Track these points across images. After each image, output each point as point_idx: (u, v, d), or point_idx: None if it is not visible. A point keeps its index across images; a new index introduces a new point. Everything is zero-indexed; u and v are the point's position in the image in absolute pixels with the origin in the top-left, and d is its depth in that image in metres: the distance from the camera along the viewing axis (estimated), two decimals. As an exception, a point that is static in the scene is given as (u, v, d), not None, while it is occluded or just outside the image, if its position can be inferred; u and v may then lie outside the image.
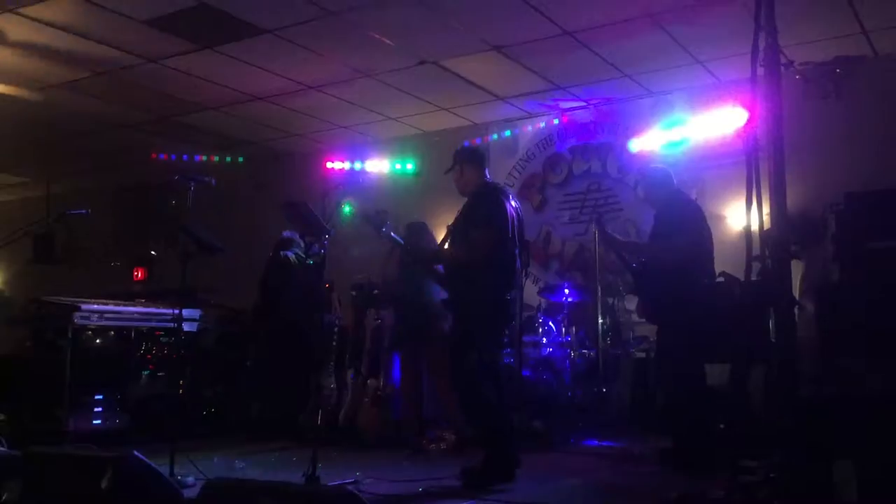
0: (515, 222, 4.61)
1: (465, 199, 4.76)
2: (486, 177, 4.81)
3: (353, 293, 7.01)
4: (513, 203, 4.67)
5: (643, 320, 5.60)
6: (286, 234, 6.97)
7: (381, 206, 6.66)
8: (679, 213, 4.94)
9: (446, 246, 4.79)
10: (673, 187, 5.15)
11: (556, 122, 8.04)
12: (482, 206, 4.59)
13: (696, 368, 4.87)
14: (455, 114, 8.15)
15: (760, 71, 3.11)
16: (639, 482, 4.49)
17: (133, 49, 6.49)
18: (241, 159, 9.56)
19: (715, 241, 6.07)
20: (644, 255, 5.10)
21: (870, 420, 3.01)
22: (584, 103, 7.75)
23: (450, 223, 4.79)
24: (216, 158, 9.44)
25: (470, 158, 4.86)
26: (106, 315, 6.39)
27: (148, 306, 6.87)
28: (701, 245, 4.83)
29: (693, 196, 7.00)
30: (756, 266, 3.11)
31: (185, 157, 9.39)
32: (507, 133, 8.31)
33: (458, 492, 4.17)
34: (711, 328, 4.92)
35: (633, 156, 7.29)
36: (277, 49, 6.42)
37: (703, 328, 4.72)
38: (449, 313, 4.82)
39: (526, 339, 6.47)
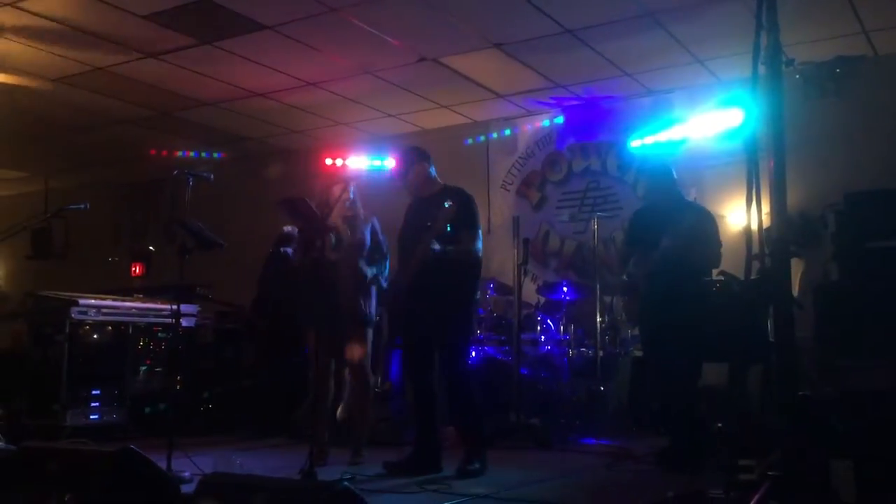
0: None
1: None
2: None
3: (352, 290, 7.00)
4: None
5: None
6: (286, 229, 6.96)
7: (380, 203, 6.62)
8: (698, 221, 4.98)
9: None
10: (675, 187, 5.17)
11: (556, 120, 8.03)
12: (469, 208, 4.67)
13: (691, 368, 4.90)
14: (455, 111, 8.14)
15: (761, 69, 3.10)
16: (636, 481, 4.49)
17: (133, 44, 6.48)
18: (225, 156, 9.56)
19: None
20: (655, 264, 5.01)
21: (869, 420, 3.01)
22: (584, 101, 7.75)
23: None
24: (215, 154, 9.43)
25: (426, 158, 4.94)
26: (103, 310, 6.40)
27: (146, 302, 6.87)
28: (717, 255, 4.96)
29: (692, 195, 7.03)
30: (756, 265, 3.10)
31: (184, 152, 9.38)
32: (507, 131, 8.30)
33: (455, 488, 4.17)
34: (710, 328, 4.92)
35: (632, 154, 7.28)
36: (278, 45, 6.41)
37: (702, 328, 4.73)
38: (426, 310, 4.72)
39: (524, 336, 6.46)
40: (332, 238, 4.95)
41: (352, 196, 5.17)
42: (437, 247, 4.49)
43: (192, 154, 9.39)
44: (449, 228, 4.50)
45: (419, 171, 4.89)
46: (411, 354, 4.95)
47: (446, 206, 4.44)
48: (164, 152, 9.41)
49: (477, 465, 4.55)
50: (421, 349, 4.83)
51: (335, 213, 5.01)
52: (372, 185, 8.17)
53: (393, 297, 4.97)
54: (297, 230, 6.87)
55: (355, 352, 5.05)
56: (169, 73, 7.09)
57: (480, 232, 4.77)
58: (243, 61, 6.80)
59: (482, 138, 8.37)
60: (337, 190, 5.10)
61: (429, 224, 4.56)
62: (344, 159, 8.12)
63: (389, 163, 8.19)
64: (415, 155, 4.96)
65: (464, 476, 4.44)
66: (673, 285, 4.82)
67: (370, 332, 5.17)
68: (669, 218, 4.95)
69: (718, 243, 5.01)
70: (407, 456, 4.75)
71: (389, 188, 8.05)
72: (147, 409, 6.53)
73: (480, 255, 4.76)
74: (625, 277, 5.25)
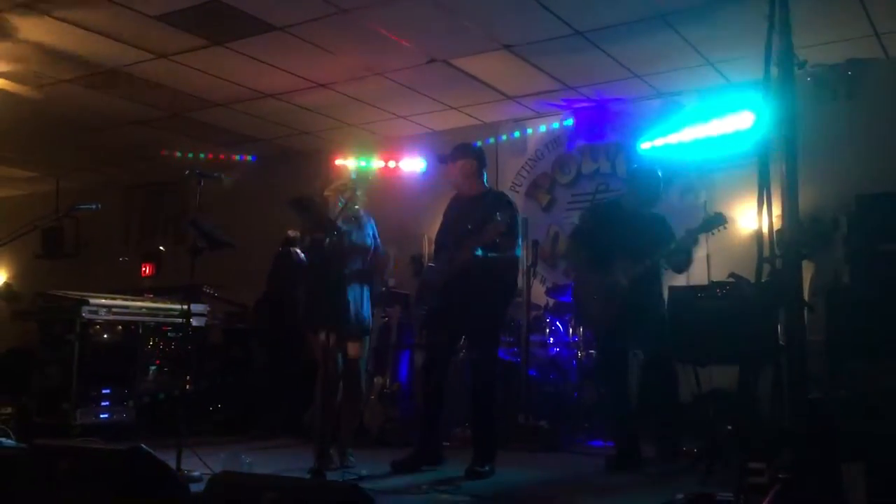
0: None
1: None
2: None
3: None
4: None
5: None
6: (291, 234, 6.93)
7: (390, 204, 6.64)
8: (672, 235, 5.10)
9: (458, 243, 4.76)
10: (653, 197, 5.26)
11: (565, 122, 8.02)
12: (512, 215, 4.71)
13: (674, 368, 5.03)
14: (464, 113, 8.14)
15: (773, 72, 3.10)
16: (645, 483, 4.48)
17: (143, 44, 6.50)
18: (252, 158, 9.58)
19: (725, 242, 6.07)
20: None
21: (879, 422, 2.99)
22: (593, 103, 7.74)
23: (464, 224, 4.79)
24: (224, 156, 9.46)
25: (476, 157, 4.96)
26: (114, 309, 6.43)
27: (156, 301, 6.90)
28: None
29: (702, 198, 7.02)
30: (767, 268, 3.09)
31: (199, 154, 9.40)
32: (517, 133, 8.29)
33: (464, 489, 4.17)
34: (720, 330, 4.93)
35: (642, 156, 7.27)
36: (288, 46, 6.43)
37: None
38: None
39: (533, 338, 6.46)
40: (347, 239, 4.93)
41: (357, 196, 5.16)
42: (479, 253, 4.52)
43: (207, 156, 9.38)
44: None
45: (464, 165, 4.91)
46: (432, 351, 4.94)
47: (499, 218, 4.45)
48: (175, 153, 9.43)
49: (486, 468, 4.56)
50: (443, 348, 4.84)
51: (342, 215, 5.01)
52: (377, 187, 8.25)
53: (423, 293, 4.97)
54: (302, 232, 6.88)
55: (354, 356, 5.04)
56: (180, 74, 7.11)
57: (520, 240, 4.84)
58: (254, 62, 6.81)
59: (491, 140, 8.36)
60: (345, 191, 5.09)
61: (469, 227, 4.59)
62: (350, 160, 8.17)
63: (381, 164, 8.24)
64: (466, 150, 4.99)
65: (473, 477, 4.45)
66: (658, 294, 5.04)
67: (367, 339, 5.17)
68: (643, 225, 4.95)
69: None
70: (410, 454, 4.81)
71: (394, 189, 8.12)
72: (158, 409, 6.55)
73: (518, 260, 4.88)
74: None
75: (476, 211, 4.65)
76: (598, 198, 7.78)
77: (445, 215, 5.01)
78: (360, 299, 4.97)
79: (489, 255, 4.57)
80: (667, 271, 5.21)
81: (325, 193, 5.06)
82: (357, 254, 4.97)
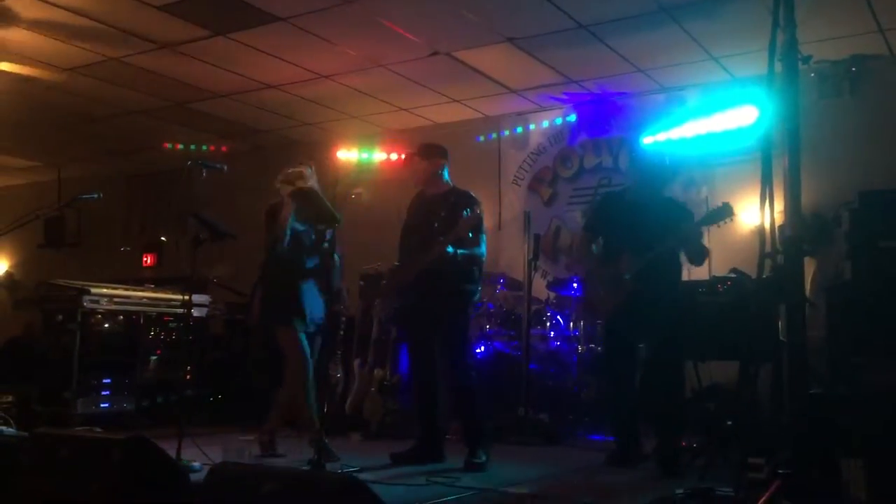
0: None
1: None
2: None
3: (362, 282, 7.02)
4: None
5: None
6: None
7: (390, 196, 6.61)
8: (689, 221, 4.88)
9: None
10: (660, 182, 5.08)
11: (567, 116, 8.01)
12: (480, 211, 4.75)
13: (681, 367, 4.95)
14: (467, 106, 8.13)
15: (777, 67, 3.09)
16: (644, 478, 4.48)
17: (146, 34, 6.49)
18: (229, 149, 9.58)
19: (727, 237, 6.03)
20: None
21: (880, 418, 2.99)
22: (596, 97, 7.72)
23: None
24: (226, 147, 9.45)
25: (441, 155, 4.99)
26: (115, 299, 6.44)
27: (157, 291, 6.90)
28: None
29: (704, 193, 7.01)
30: (769, 263, 3.09)
31: (202, 146, 9.40)
32: (519, 128, 8.28)
33: (461, 480, 4.17)
34: (721, 326, 4.91)
35: (645, 151, 7.26)
36: (291, 37, 6.42)
37: (687, 329, 4.85)
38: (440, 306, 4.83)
39: (533, 332, 6.46)
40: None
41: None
42: (451, 249, 4.56)
43: (209, 147, 9.39)
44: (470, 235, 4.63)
45: (429, 165, 4.94)
46: (413, 349, 5.02)
47: (467, 214, 4.56)
48: (177, 145, 9.43)
49: (483, 458, 4.57)
50: (422, 343, 4.88)
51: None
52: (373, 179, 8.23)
53: (393, 290, 4.99)
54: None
55: (317, 349, 5.05)
56: (183, 64, 7.10)
57: (485, 236, 4.86)
58: (257, 53, 6.80)
59: (494, 135, 8.34)
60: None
61: (436, 225, 4.60)
62: (352, 151, 8.17)
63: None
64: (431, 149, 5.02)
65: (470, 469, 4.47)
66: (669, 286, 4.82)
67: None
68: (649, 214, 4.84)
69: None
70: (411, 447, 4.82)
71: (394, 181, 8.09)
72: (158, 399, 6.57)
73: (484, 258, 4.87)
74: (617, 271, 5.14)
75: (442, 209, 4.71)
76: (599, 192, 7.78)
77: (409, 213, 5.03)
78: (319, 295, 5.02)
79: (459, 252, 4.62)
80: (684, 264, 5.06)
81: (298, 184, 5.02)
82: (317, 252, 5.00)
